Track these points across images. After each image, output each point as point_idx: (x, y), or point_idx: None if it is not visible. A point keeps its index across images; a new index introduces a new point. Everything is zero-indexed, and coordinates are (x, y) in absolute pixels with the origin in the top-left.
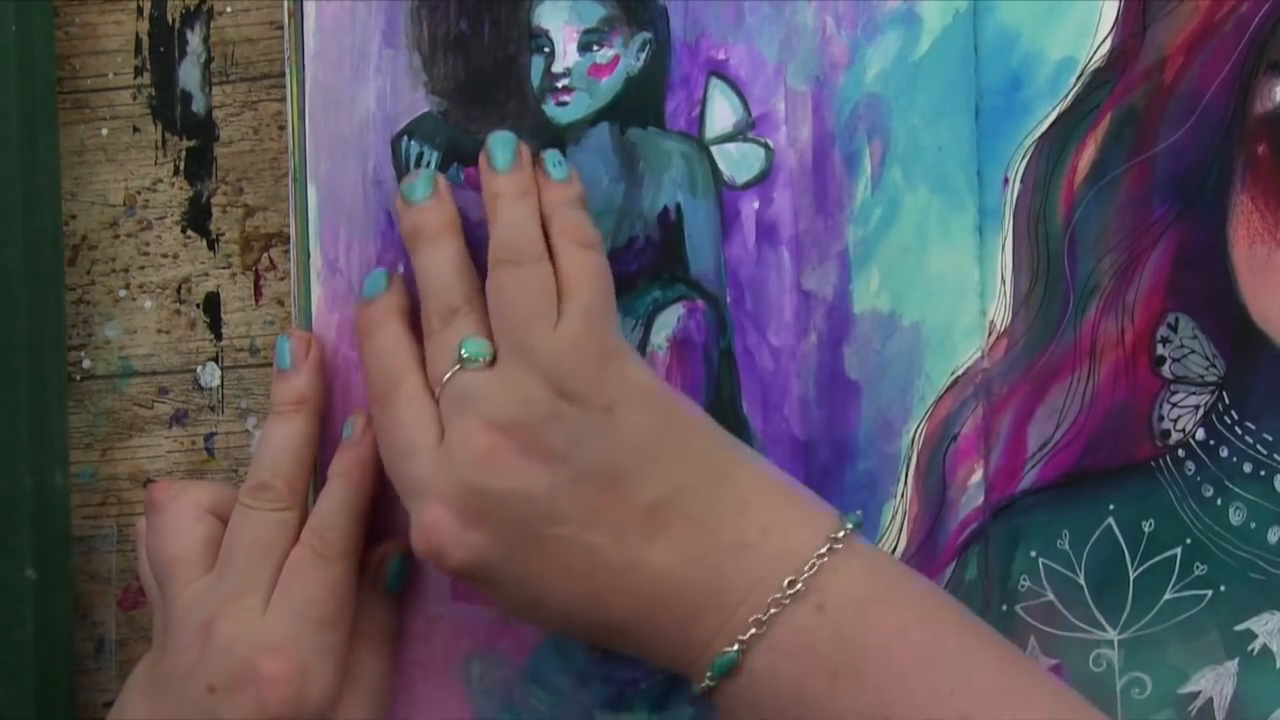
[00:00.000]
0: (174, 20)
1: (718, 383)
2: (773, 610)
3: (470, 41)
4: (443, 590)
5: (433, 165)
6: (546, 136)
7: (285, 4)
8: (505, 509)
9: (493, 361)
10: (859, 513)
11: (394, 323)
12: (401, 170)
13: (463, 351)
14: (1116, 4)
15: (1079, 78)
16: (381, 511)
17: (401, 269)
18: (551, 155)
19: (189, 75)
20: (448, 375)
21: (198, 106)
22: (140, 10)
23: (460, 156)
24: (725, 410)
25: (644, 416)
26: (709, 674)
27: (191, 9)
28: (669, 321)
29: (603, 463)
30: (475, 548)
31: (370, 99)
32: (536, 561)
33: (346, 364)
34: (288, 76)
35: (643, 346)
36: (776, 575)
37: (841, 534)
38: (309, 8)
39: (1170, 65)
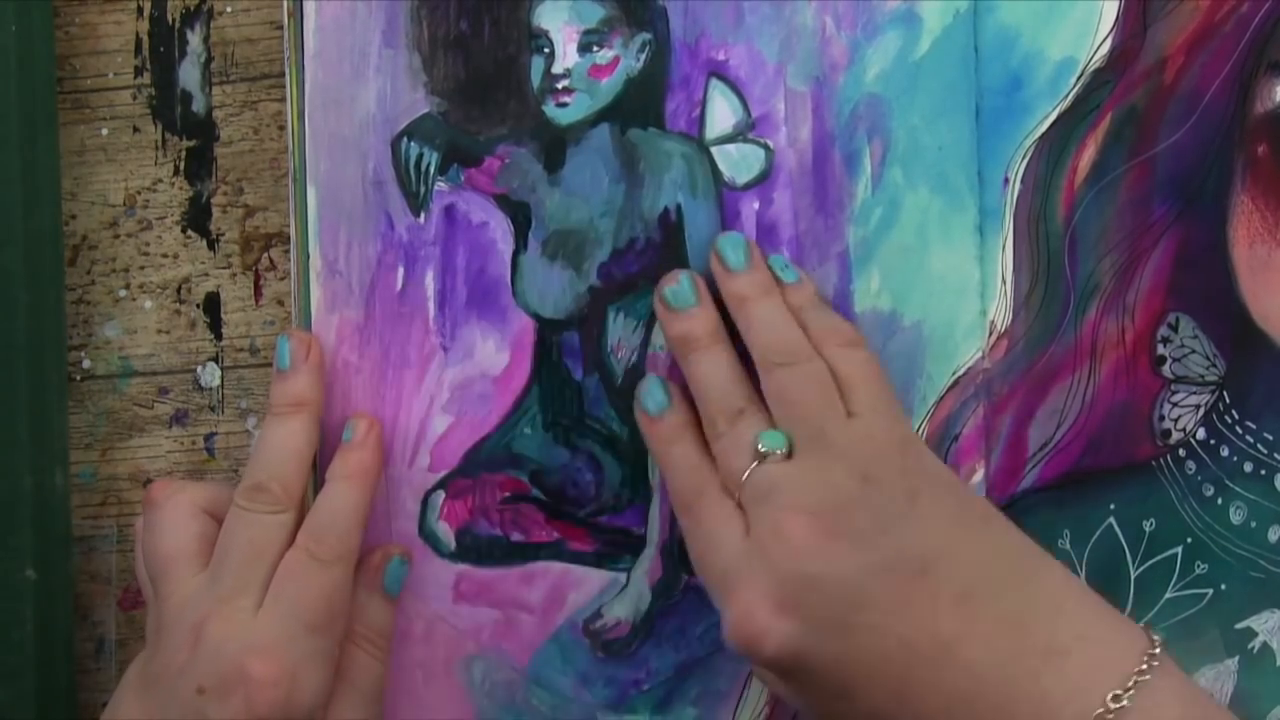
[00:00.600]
0: (174, 20)
1: None
2: None
3: (470, 42)
4: (444, 592)
5: (433, 166)
6: (546, 137)
7: (285, 4)
8: (816, 594)
9: (789, 454)
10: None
11: (690, 434)
12: (402, 171)
13: (760, 446)
14: (1117, 4)
15: (1079, 78)
16: (374, 518)
17: (402, 270)
18: (778, 260)
19: (189, 75)
20: (748, 472)
21: (198, 106)
22: (140, 10)
23: (460, 157)
24: None
25: (948, 504)
26: None
27: (191, 9)
28: None
29: (910, 547)
30: (789, 636)
31: (370, 99)
32: (849, 650)
33: (346, 367)
34: (288, 76)
35: (644, 348)
36: (1099, 687)
37: (1157, 650)
38: (309, 8)
39: (1170, 65)
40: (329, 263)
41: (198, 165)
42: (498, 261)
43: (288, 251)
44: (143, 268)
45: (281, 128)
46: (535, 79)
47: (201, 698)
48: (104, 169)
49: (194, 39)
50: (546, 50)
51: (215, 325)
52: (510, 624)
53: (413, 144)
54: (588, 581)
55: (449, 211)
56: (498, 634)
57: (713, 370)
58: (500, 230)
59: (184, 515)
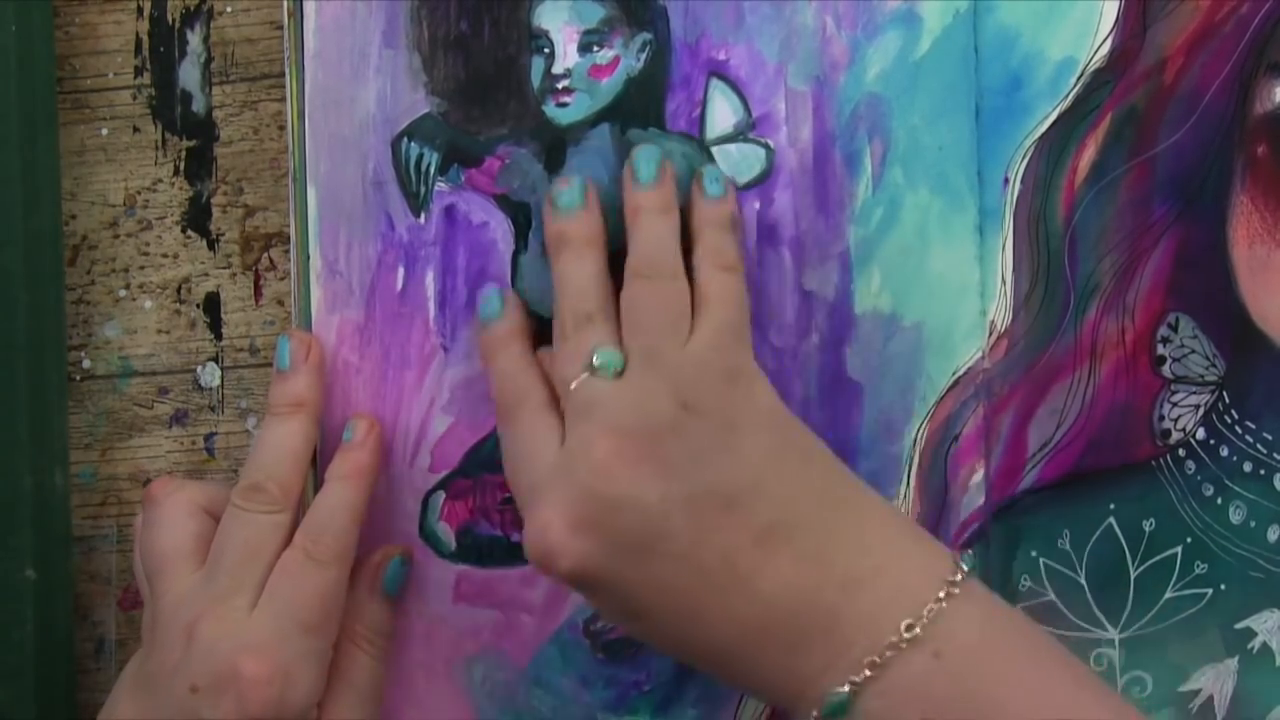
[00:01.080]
0: (174, 20)
1: None
2: (888, 654)
3: (470, 42)
4: (445, 593)
5: (433, 167)
6: (547, 138)
7: (285, 4)
8: (617, 517)
9: (621, 374)
10: (971, 552)
11: (517, 344)
12: (402, 172)
13: (595, 360)
14: (1117, 4)
15: (1079, 78)
16: (375, 518)
17: (402, 270)
18: (710, 171)
19: (189, 75)
20: (575, 383)
21: (198, 106)
22: (140, 10)
23: (461, 158)
24: None
25: (766, 440)
26: (817, 714)
27: (191, 9)
28: None
29: (719, 481)
30: (585, 555)
31: (370, 100)
32: (644, 574)
33: (346, 367)
34: (288, 77)
35: None
36: (892, 617)
37: (958, 577)
38: (309, 8)
39: (1170, 66)
40: (329, 263)
41: (198, 165)
42: (498, 262)
43: (288, 251)
44: (143, 268)
45: (281, 128)
46: (535, 79)
47: (194, 696)
48: (104, 169)
49: (194, 39)
50: (547, 50)
51: (215, 325)
52: (510, 625)
53: (413, 144)
54: None
55: (449, 212)
56: (498, 635)
57: (575, 271)
58: (500, 230)
59: (182, 513)
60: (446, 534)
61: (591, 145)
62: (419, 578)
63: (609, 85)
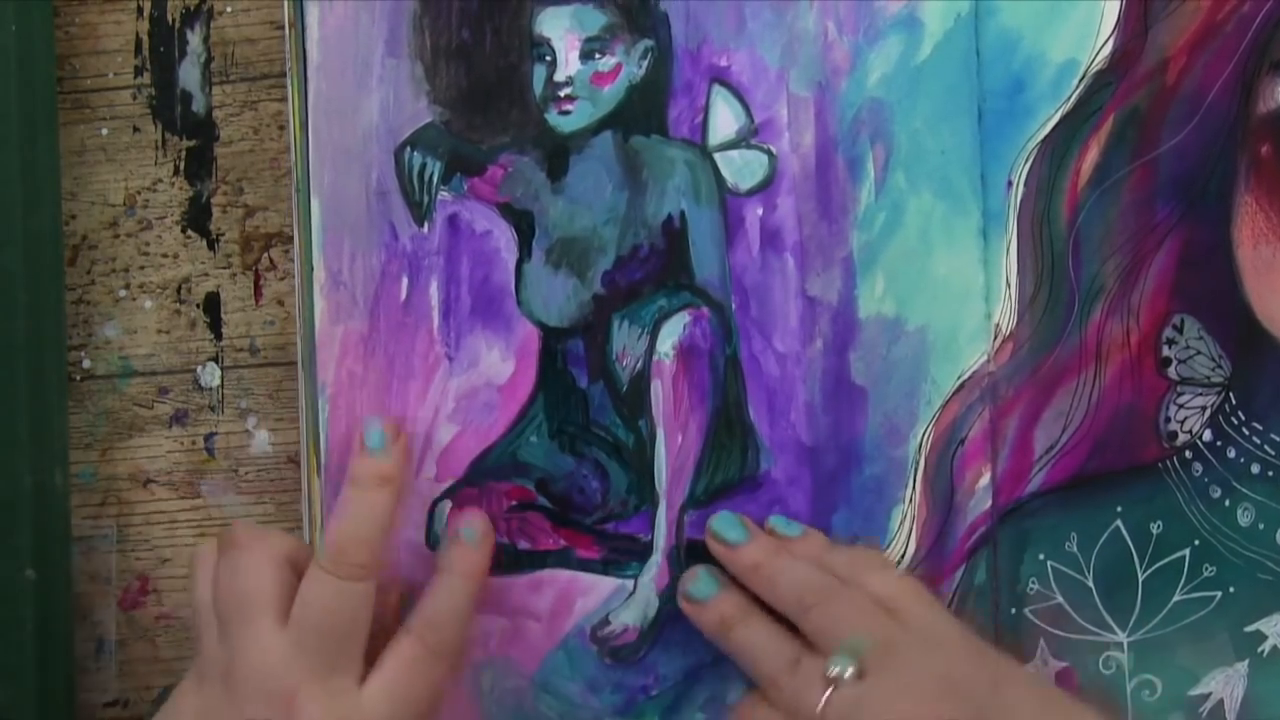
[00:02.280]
0: (174, 20)
1: (724, 390)
2: None
3: (472, 50)
4: None
5: (436, 176)
6: (549, 146)
7: (286, 12)
8: None
9: (861, 675)
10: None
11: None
12: (405, 181)
13: (830, 671)
14: (1118, 5)
15: (1081, 80)
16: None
17: (406, 280)
18: (779, 521)
19: (189, 75)
20: (822, 702)
21: (198, 106)
22: (140, 10)
23: (463, 167)
24: (732, 417)
25: (1029, 688)
26: None
27: (191, 9)
28: (675, 329)
29: None
30: None
31: (374, 109)
32: None
33: (351, 379)
34: (289, 85)
35: (649, 355)
36: None
37: None
38: (312, 17)
39: (1172, 66)
40: (333, 274)
41: (198, 165)
42: (502, 270)
43: (287, 251)
44: (143, 268)
45: (282, 128)
46: (537, 87)
47: None
48: (104, 169)
49: (194, 39)
50: (548, 58)
51: (215, 325)
52: (518, 632)
53: (416, 154)
54: (595, 588)
55: (452, 221)
56: (506, 642)
57: (755, 638)
58: (504, 239)
59: (269, 562)
60: None
61: (594, 153)
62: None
63: (611, 92)
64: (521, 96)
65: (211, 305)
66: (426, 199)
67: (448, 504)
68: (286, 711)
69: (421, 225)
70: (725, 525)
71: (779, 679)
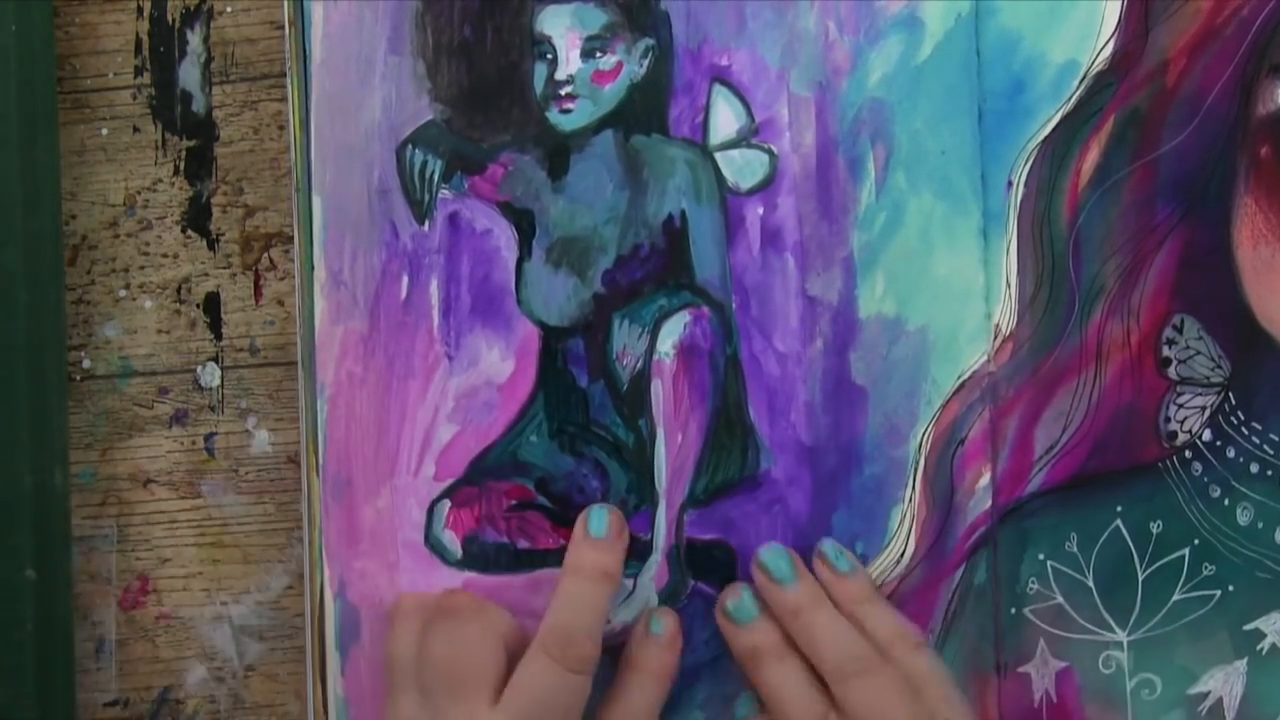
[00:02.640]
0: (174, 20)
1: (724, 389)
2: None
3: (473, 48)
4: None
5: (437, 174)
6: (550, 144)
7: (286, 10)
8: None
9: None
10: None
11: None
12: (406, 179)
13: None
14: (1119, 7)
15: (1081, 81)
16: (380, 528)
17: (406, 279)
18: (830, 547)
19: (189, 75)
20: None
21: (198, 106)
22: (140, 10)
23: (464, 165)
24: (732, 417)
25: None
26: None
27: (191, 9)
28: (675, 329)
29: None
30: None
31: (376, 107)
32: None
33: (351, 379)
34: (289, 83)
35: (649, 354)
36: None
37: None
38: (316, 14)
39: (1173, 68)
40: (333, 273)
41: (198, 165)
42: (502, 269)
43: (287, 251)
44: (143, 268)
45: (281, 128)
46: (538, 85)
47: None
48: (104, 169)
49: (194, 39)
50: (549, 56)
51: (215, 325)
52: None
53: (417, 152)
54: None
55: (453, 219)
56: (508, 644)
57: (788, 682)
58: (504, 238)
59: (490, 641)
60: (452, 542)
61: (595, 152)
62: (426, 586)
63: (612, 91)
64: (522, 95)
65: (211, 305)
66: (427, 197)
67: (447, 503)
68: None
69: (422, 224)
70: (774, 560)
71: None
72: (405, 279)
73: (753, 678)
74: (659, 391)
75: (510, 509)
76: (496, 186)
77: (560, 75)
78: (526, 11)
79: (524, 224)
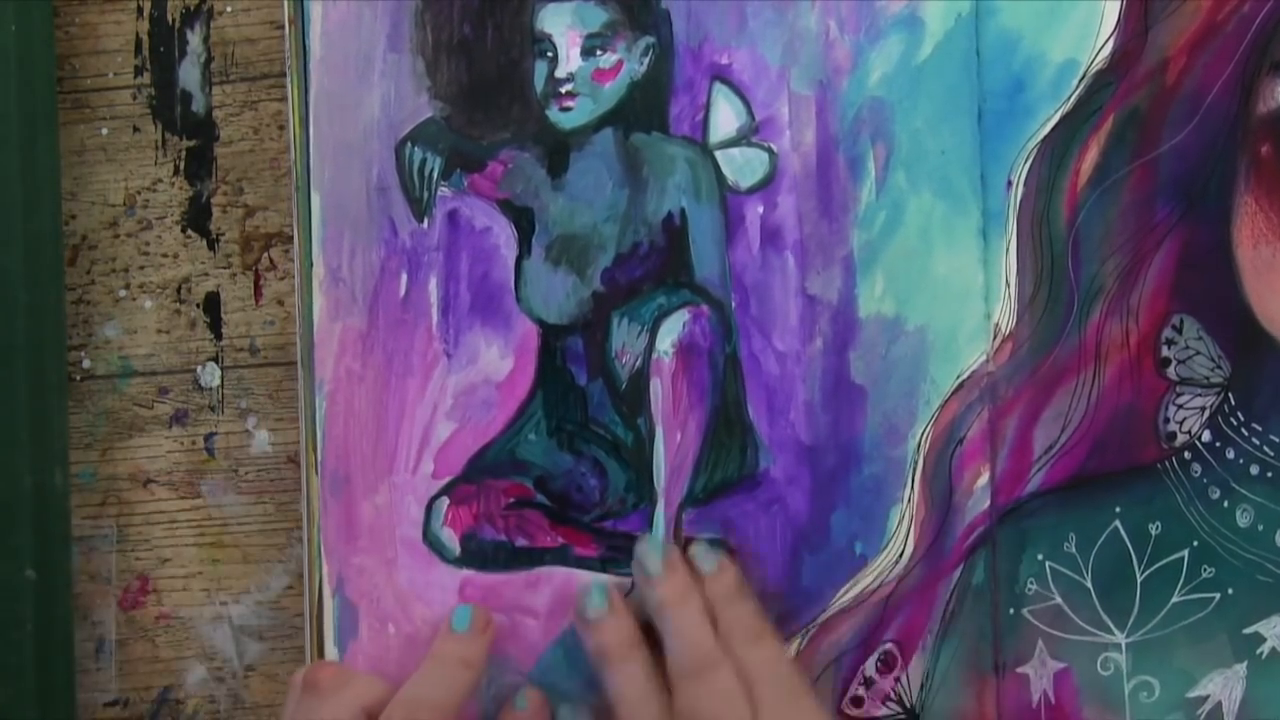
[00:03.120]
0: (174, 20)
1: (723, 388)
2: None
3: (473, 46)
4: (450, 598)
5: (436, 172)
6: (550, 142)
7: (286, 9)
8: None
9: None
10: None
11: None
12: (405, 177)
13: None
14: (1118, 6)
15: (1081, 80)
16: (378, 526)
17: (405, 276)
18: (698, 549)
19: (189, 75)
20: None
21: (198, 106)
22: (140, 10)
23: (463, 162)
24: (731, 416)
25: None
26: None
27: (191, 9)
28: (674, 327)
29: None
30: None
31: (375, 104)
32: None
33: (349, 376)
34: (288, 81)
35: (648, 353)
36: None
37: None
38: (315, 11)
39: (1172, 66)
40: (332, 270)
41: (198, 165)
42: (501, 267)
43: (287, 251)
44: (143, 268)
45: (281, 128)
46: (538, 83)
47: None
48: (104, 169)
49: (194, 39)
50: (550, 54)
51: (215, 325)
52: (515, 629)
53: (416, 149)
54: None
55: (452, 217)
56: (503, 639)
57: (626, 684)
58: (503, 235)
59: (345, 712)
60: (450, 540)
61: (595, 150)
62: (424, 583)
63: (612, 89)
64: (522, 93)
65: (211, 305)
66: (426, 195)
67: (445, 500)
68: None
69: (421, 221)
70: (647, 553)
71: None
72: (404, 276)
73: (603, 680)
74: (658, 390)
75: (508, 507)
76: (496, 184)
77: (560, 73)
78: (527, 9)
79: (523, 222)
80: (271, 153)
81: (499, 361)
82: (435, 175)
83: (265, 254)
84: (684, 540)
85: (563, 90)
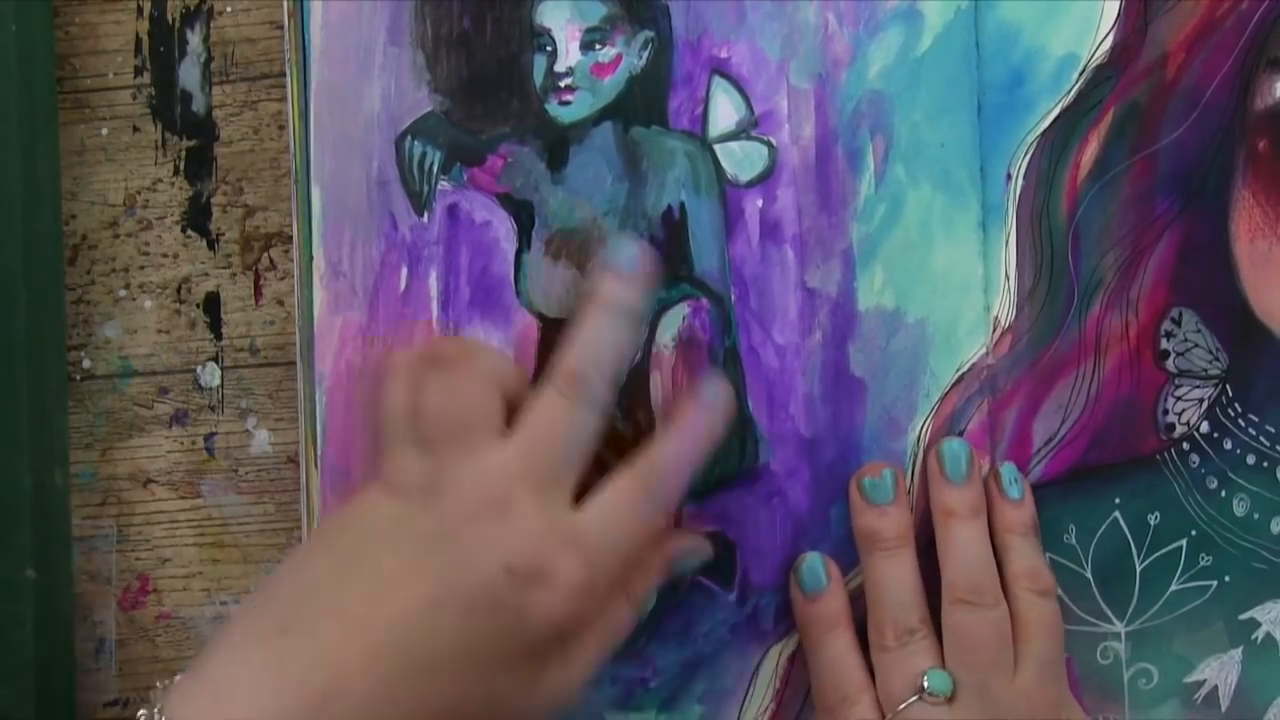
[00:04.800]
0: (174, 20)
1: None
2: None
3: (473, 40)
4: None
5: (436, 165)
6: (549, 136)
7: (285, 3)
8: None
9: (950, 698)
10: None
11: (845, 634)
12: (405, 170)
13: (925, 682)
14: (1118, 0)
15: (1081, 74)
16: None
17: (405, 270)
18: (1008, 471)
19: (189, 75)
20: (905, 704)
21: (198, 106)
22: (140, 10)
23: (463, 156)
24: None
25: None
26: None
27: (191, 9)
28: (674, 321)
29: None
30: None
31: (375, 97)
32: None
33: (350, 370)
34: (288, 76)
35: (649, 346)
36: None
37: None
38: (315, 5)
39: (1172, 61)
40: (332, 264)
41: (198, 165)
42: (501, 261)
43: (288, 251)
44: (143, 267)
45: (282, 127)
46: (538, 77)
47: (506, 576)
48: (104, 169)
49: (194, 39)
50: (549, 48)
51: (215, 325)
52: None
53: (416, 143)
54: None
55: (452, 211)
56: None
57: (893, 578)
58: (503, 229)
59: (483, 383)
60: None
61: (594, 144)
62: None
63: (611, 83)
64: (522, 86)
65: (211, 305)
66: (426, 189)
67: None
68: (502, 518)
69: (421, 215)
70: (950, 454)
71: (887, 633)
72: (404, 270)
73: (863, 562)
74: (658, 383)
75: None
76: (496, 178)
77: (560, 67)
78: (526, 3)
79: (523, 215)
80: (271, 153)
81: None
82: (435, 169)
83: (265, 254)
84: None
85: (562, 84)
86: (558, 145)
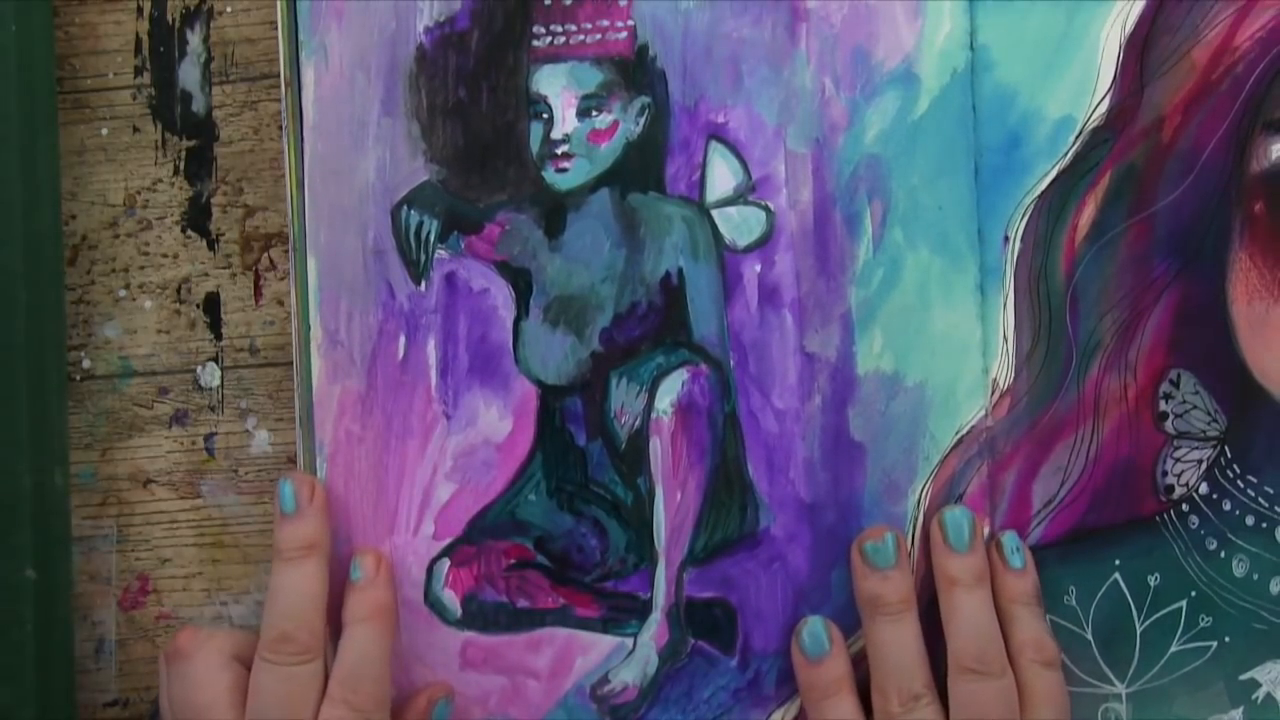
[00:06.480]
0: (174, 20)
1: (723, 447)
2: None
3: (469, 109)
4: (451, 660)
5: (433, 235)
6: (547, 203)
7: (282, 74)
8: None
9: None
10: None
11: (848, 698)
12: (402, 239)
13: None
14: (1114, 63)
15: (1078, 136)
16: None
17: (403, 339)
18: (1010, 540)
19: (189, 75)
20: None
21: (198, 106)
22: (140, 10)
23: (460, 225)
24: (731, 474)
25: None
26: None
27: (191, 9)
28: (673, 387)
29: None
30: None
31: (370, 169)
32: None
33: (349, 438)
34: (285, 146)
35: (647, 412)
36: None
37: None
38: (307, 78)
39: (1168, 124)
40: (330, 333)
41: (198, 165)
42: (499, 328)
43: (287, 251)
44: (143, 268)
45: (281, 128)
46: (534, 145)
47: None
48: (104, 169)
49: (194, 39)
50: (545, 116)
51: (215, 325)
52: (518, 690)
53: (413, 212)
54: (594, 647)
55: (450, 279)
56: (505, 700)
57: (897, 642)
58: (501, 297)
59: (215, 666)
60: (452, 601)
61: (591, 210)
62: (425, 645)
63: (608, 150)
64: (518, 154)
65: (211, 305)
66: (423, 257)
67: (446, 562)
68: None
69: (419, 284)
70: (954, 523)
71: (891, 699)
72: (402, 339)
73: (865, 627)
74: (657, 450)
75: (509, 568)
76: (493, 246)
77: (556, 134)
78: (522, 71)
79: (521, 283)
80: (271, 153)
81: (498, 423)
82: (432, 238)
83: (265, 254)
84: (685, 599)
85: (559, 151)
86: (555, 212)
